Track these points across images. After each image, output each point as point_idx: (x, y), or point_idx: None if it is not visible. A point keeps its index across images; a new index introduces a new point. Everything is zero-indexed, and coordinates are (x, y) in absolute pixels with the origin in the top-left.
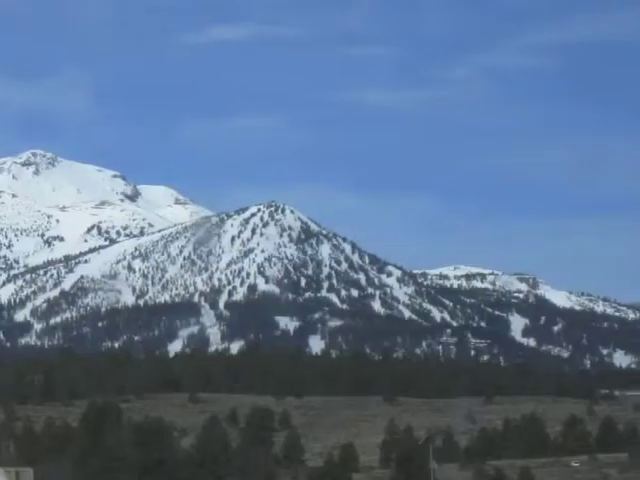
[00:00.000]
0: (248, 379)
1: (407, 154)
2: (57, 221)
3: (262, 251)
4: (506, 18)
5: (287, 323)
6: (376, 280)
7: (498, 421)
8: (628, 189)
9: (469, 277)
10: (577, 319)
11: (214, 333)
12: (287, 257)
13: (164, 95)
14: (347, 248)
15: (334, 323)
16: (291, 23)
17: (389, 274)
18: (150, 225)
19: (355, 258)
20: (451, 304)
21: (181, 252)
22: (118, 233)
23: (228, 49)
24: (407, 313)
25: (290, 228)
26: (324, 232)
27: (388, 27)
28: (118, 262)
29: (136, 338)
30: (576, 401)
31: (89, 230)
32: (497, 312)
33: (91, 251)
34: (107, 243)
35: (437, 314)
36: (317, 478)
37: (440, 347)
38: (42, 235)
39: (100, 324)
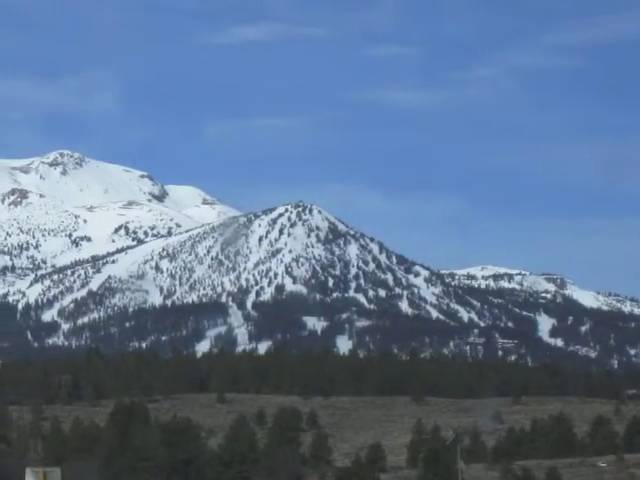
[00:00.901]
0: (275, 379)
1: (434, 154)
2: (84, 221)
3: (290, 251)
4: (530, 17)
5: (314, 323)
6: (403, 280)
7: (525, 421)
8: None
9: (496, 277)
10: (604, 319)
11: (241, 333)
12: (315, 257)
13: (190, 95)
14: (375, 248)
15: (361, 323)
16: (315, 23)
17: (417, 274)
18: (178, 225)
19: (383, 258)
20: (478, 304)
21: (209, 252)
22: (145, 233)
23: (253, 49)
24: (435, 313)
25: (318, 228)
26: (352, 232)
27: (412, 27)
28: (145, 262)
29: (163, 338)
30: (603, 401)
31: (116, 230)
32: (524, 312)
33: (118, 251)
34: (134, 243)
35: (465, 314)
36: (345, 478)
37: (467, 347)
38: (69, 235)
39: (127, 324)
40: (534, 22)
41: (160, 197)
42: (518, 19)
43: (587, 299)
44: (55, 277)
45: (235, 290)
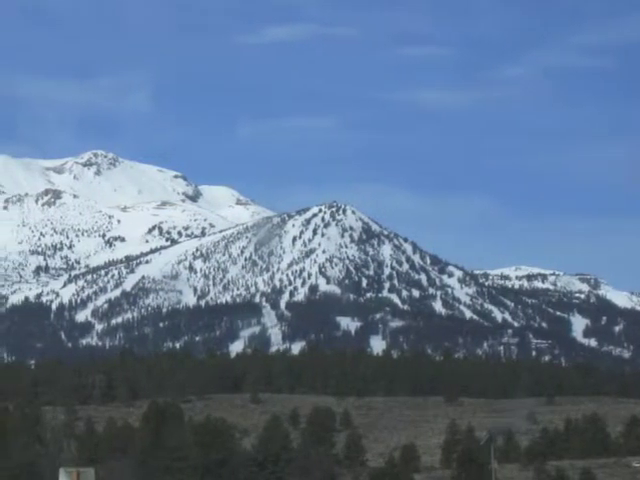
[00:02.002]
0: (309, 379)
1: (466, 154)
2: (118, 221)
3: (323, 251)
4: (560, 18)
5: (348, 323)
6: (437, 280)
7: (559, 421)
8: None
9: (530, 277)
10: (638, 319)
11: (275, 333)
12: (348, 257)
13: (224, 95)
14: (408, 248)
15: (395, 323)
16: (348, 23)
17: (450, 274)
18: (211, 225)
19: (416, 258)
20: (512, 304)
21: (242, 252)
22: (179, 233)
23: (285, 49)
24: (468, 313)
25: (351, 228)
26: (385, 232)
27: (444, 27)
28: (179, 262)
29: (197, 338)
30: (637, 401)
31: (150, 230)
32: (558, 312)
33: (152, 251)
34: (168, 244)
35: (498, 314)
36: (378, 478)
37: (501, 347)
38: (103, 236)
39: (161, 324)
40: (564, 22)
41: (194, 197)
42: (548, 19)
43: (621, 299)
44: (89, 277)
45: (269, 290)
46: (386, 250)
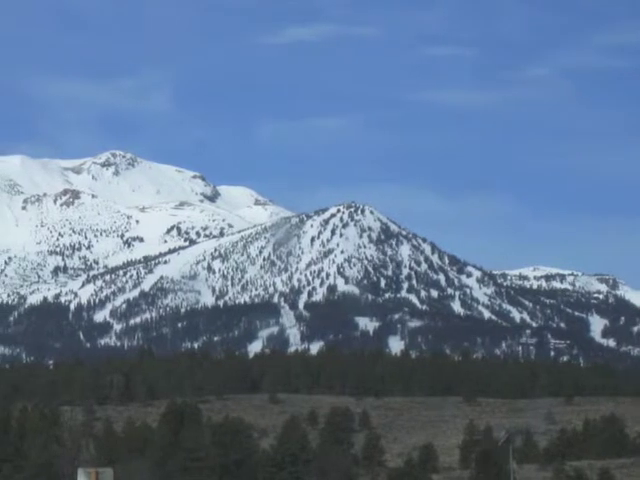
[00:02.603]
0: (327, 380)
1: (485, 154)
2: (137, 222)
3: (342, 252)
4: (582, 18)
5: (367, 324)
6: (456, 281)
7: (577, 422)
8: None
9: (549, 278)
10: None
11: (294, 334)
12: (367, 258)
13: (242, 96)
14: (427, 249)
15: (414, 324)
16: (368, 23)
17: (469, 275)
18: (230, 226)
19: (435, 259)
20: (531, 305)
21: (261, 253)
22: (198, 234)
23: (306, 49)
24: (487, 314)
25: (370, 229)
26: (404, 233)
27: (466, 27)
28: (198, 263)
29: (216, 339)
30: None
31: (169, 231)
32: (577, 313)
33: (171, 252)
34: (187, 244)
35: (517, 315)
36: (397, 479)
37: (520, 348)
38: (122, 236)
39: (180, 325)
40: (586, 22)
41: (212, 197)
42: (570, 19)
43: (639, 299)
44: (107, 277)
45: (287, 290)
46: (404, 250)
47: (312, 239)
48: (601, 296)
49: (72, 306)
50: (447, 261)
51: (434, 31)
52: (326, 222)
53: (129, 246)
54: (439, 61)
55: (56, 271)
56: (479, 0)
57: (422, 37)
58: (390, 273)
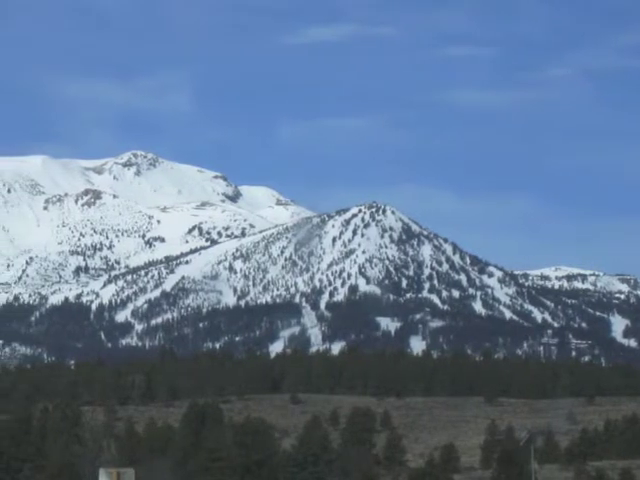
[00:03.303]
0: (349, 380)
1: (506, 154)
2: (158, 222)
3: (363, 252)
4: (603, 18)
5: (388, 324)
6: (477, 281)
7: (599, 422)
8: None
9: (570, 278)
10: None
11: (315, 334)
12: (388, 258)
13: (263, 95)
14: (448, 249)
15: (435, 324)
16: (388, 23)
17: (490, 275)
18: (251, 226)
19: (456, 259)
20: (552, 305)
21: (282, 253)
22: (219, 234)
23: (326, 50)
24: (508, 314)
25: (391, 229)
26: (425, 233)
27: (485, 27)
28: (219, 263)
29: (237, 339)
30: None
31: (190, 231)
32: (598, 313)
33: (192, 252)
34: (208, 244)
35: (538, 315)
36: (418, 479)
37: (541, 348)
38: (143, 236)
39: (201, 325)
40: (606, 22)
41: (234, 198)
42: (591, 20)
43: None
44: (128, 278)
45: (309, 291)
46: (426, 250)
47: (333, 239)
48: (622, 296)
49: (93, 306)
50: (468, 261)
51: (454, 31)
52: (347, 222)
53: (150, 246)
54: (459, 61)
55: (77, 271)
56: (499, 0)
57: (442, 37)
58: (411, 273)
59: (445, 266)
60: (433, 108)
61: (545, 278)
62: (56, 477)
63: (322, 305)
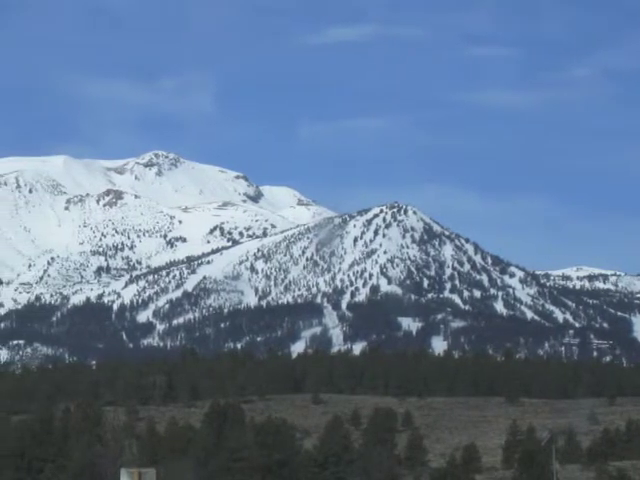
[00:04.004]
0: (370, 380)
1: (528, 155)
2: (180, 222)
3: (385, 252)
4: (626, 18)
5: (409, 324)
6: (499, 281)
7: (620, 422)
8: None
9: (591, 278)
10: None
11: (336, 334)
12: (410, 258)
13: (285, 95)
14: (470, 249)
15: (456, 324)
16: (411, 23)
17: (512, 275)
18: (273, 226)
19: (478, 259)
20: (573, 305)
21: (304, 253)
22: (241, 234)
23: (348, 50)
24: (529, 314)
25: (413, 229)
26: (447, 233)
27: (509, 28)
28: (241, 263)
29: (258, 339)
30: None
31: (212, 231)
32: (619, 313)
33: (214, 252)
34: (230, 244)
35: (559, 315)
36: (439, 479)
37: (562, 348)
38: (165, 236)
39: (222, 325)
40: (629, 23)
41: (255, 198)
42: (613, 20)
43: None
44: (150, 278)
45: (330, 291)
46: (447, 250)
47: (355, 239)
48: None
49: (115, 306)
50: (490, 261)
51: (477, 32)
52: (369, 222)
53: (172, 246)
54: (482, 62)
55: (99, 271)
56: (522, 0)
57: (465, 37)
58: (433, 273)
59: (467, 266)
60: (455, 108)
61: (566, 278)
62: (77, 477)
63: (343, 305)
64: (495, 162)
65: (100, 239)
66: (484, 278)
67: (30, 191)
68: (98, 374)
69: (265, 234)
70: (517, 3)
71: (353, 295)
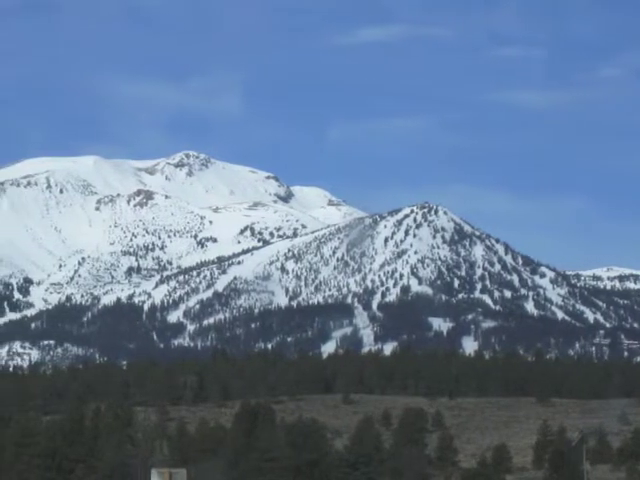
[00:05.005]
0: (401, 380)
1: (558, 155)
2: (210, 222)
3: (415, 252)
4: None
5: (440, 324)
6: (529, 281)
7: None
8: None
9: (622, 278)
10: None
11: (367, 334)
12: (440, 258)
13: (315, 96)
14: (500, 249)
15: (487, 324)
16: (440, 23)
17: (542, 275)
18: (303, 226)
19: (508, 259)
20: (604, 305)
21: (334, 253)
22: (271, 234)
23: (378, 50)
24: (560, 314)
25: (443, 229)
26: (477, 233)
27: (537, 28)
28: (271, 263)
29: (289, 339)
30: None
31: (242, 231)
32: None
33: (244, 252)
34: (260, 244)
35: (590, 315)
36: (470, 479)
37: (593, 348)
38: (195, 236)
39: (253, 325)
40: None
41: (286, 198)
42: None
43: None
44: (180, 278)
45: (361, 291)
46: (478, 251)
47: (385, 239)
48: None
49: (145, 307)
50: (520, 261)
51: (505, 32)
52: (399, 222)
53: (202, 247)
54: (510, 62)
55: (129, 272)
56: (550, 0)
57: (493, 37)
58: (463, 274)
59: (497, 266)
60: (484, 108)
61: (597, 278)
62: (108, 477)
63: (374, 305)
64: (525, 162)
65: (131, 239)
66: (515, 278)
67: (61, 191)
68: (129, 374)
69: (295, 234)
70: (545, 3)
71: (384, 295)
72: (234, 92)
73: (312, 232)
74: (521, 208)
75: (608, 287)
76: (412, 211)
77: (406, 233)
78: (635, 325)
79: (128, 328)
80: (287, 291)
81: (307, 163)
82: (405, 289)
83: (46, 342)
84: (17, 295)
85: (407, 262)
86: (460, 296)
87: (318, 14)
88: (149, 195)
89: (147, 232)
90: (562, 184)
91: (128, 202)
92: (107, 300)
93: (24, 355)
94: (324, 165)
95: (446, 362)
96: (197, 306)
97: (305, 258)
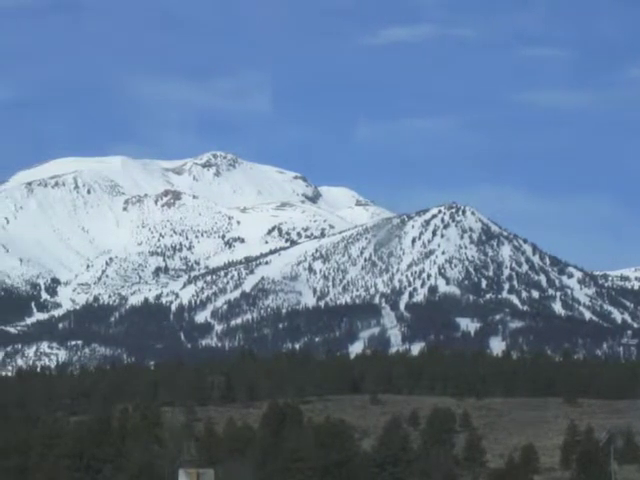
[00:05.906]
0: (429, 380)
1: (585, 154)
2: (238, 222)
3: (443, 252)
4: None
5: (468, 324)
6: (557, 281)
7: None
8: None
9: None
10: None
11: (395, 334)
12: (468, 258)
13: (342, 96)
14: (528, 249)
15: (515, 324)
16: (466, 24)
17: (570, 275)
18: (331, 226)
19: (536, 259)
20: (632, 305)
21: (362, 253)
22: (299, 234)
23: (404, 50)
24: (588, 314)
25: (471, 229)
26: (505, 233)
27: (563, 28)
28: (299, 263)
29: (317, 339)
30: None
31: (270, 232)
32: None
33: (272, 252)
34: (288, 245)
35: (618, 315)
36: (498, 479)
37: (621, 348)
38: (223, 236)
39: (280, 325)
40: None
41: (313, 198)
42: None
43: None
44: (208, 278)
45: (388, 291)
46: (505, 251)
47: (413, 240)
48: None
49: (173, 307)
50: (548, 262)
51: (531, 32)
52: (427, 223)
53: (230, 247)
54: (537, 62)
55: (157, 272)
56: (576, 0)
57: (519, 38)
58: (491, 274)
59: (525, 267)
60: (512, 109)
61: (625, 279)
62: (136, 478)
63: (402, 306)
64: (553, 162)
65: (158, 239)
66: (542, 278)
67: (88, 192)
68: (156, 375)
69: (323, 234)
70: (572, 3)
71: (411, 295)
72: (261, 92)
73: (340, 232)
74: (548, 208)
75: (636, 287)
76: (439, 211)
77: (434, 233)
78: None
79: (155, 328)
80: (315, 291)
81: (335, 163)
82: (433, 289)
83: (73, 342)
84: (45, 295)
85: (435, 262)
86: (488, 296)
87: (345, 14)
88: (177, 195)
89: (175, 232)
90: (589, 184)
91: (156, 202)
92: (134, 300)
93: (51, 355)
94: (352, 165)
95: (474, 362)
96: (225, 306)
97: (333, 258)
